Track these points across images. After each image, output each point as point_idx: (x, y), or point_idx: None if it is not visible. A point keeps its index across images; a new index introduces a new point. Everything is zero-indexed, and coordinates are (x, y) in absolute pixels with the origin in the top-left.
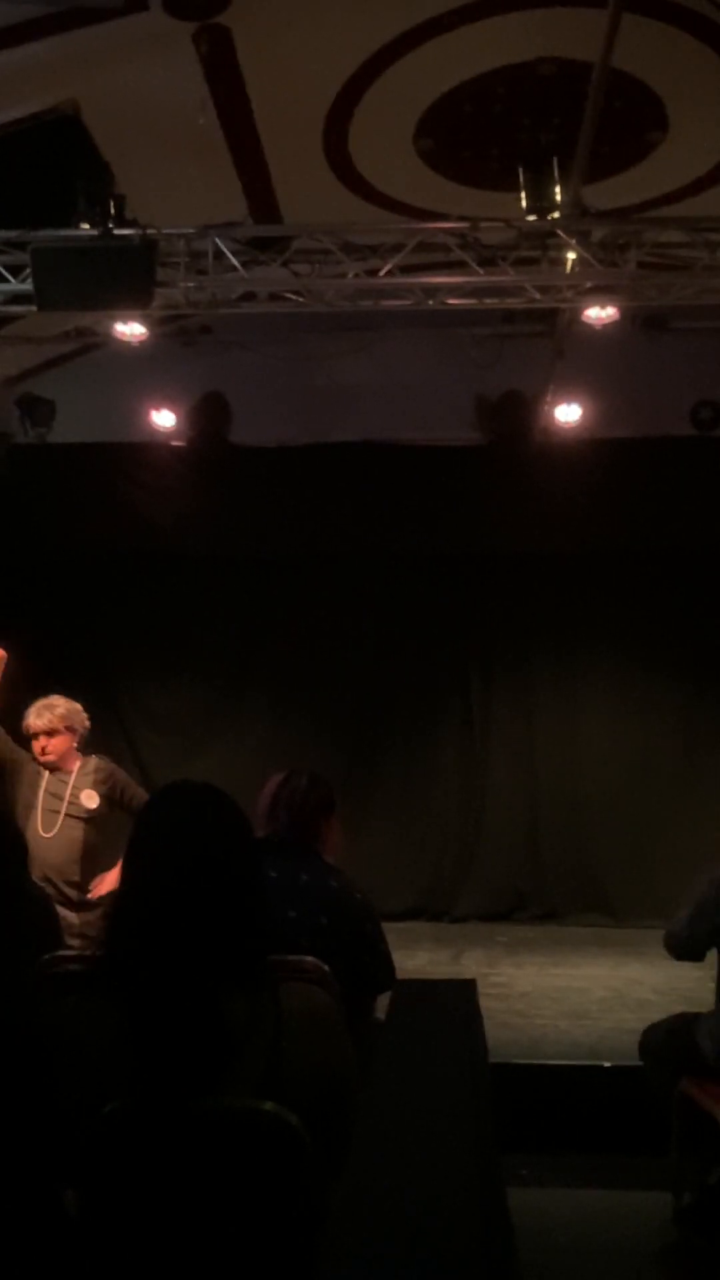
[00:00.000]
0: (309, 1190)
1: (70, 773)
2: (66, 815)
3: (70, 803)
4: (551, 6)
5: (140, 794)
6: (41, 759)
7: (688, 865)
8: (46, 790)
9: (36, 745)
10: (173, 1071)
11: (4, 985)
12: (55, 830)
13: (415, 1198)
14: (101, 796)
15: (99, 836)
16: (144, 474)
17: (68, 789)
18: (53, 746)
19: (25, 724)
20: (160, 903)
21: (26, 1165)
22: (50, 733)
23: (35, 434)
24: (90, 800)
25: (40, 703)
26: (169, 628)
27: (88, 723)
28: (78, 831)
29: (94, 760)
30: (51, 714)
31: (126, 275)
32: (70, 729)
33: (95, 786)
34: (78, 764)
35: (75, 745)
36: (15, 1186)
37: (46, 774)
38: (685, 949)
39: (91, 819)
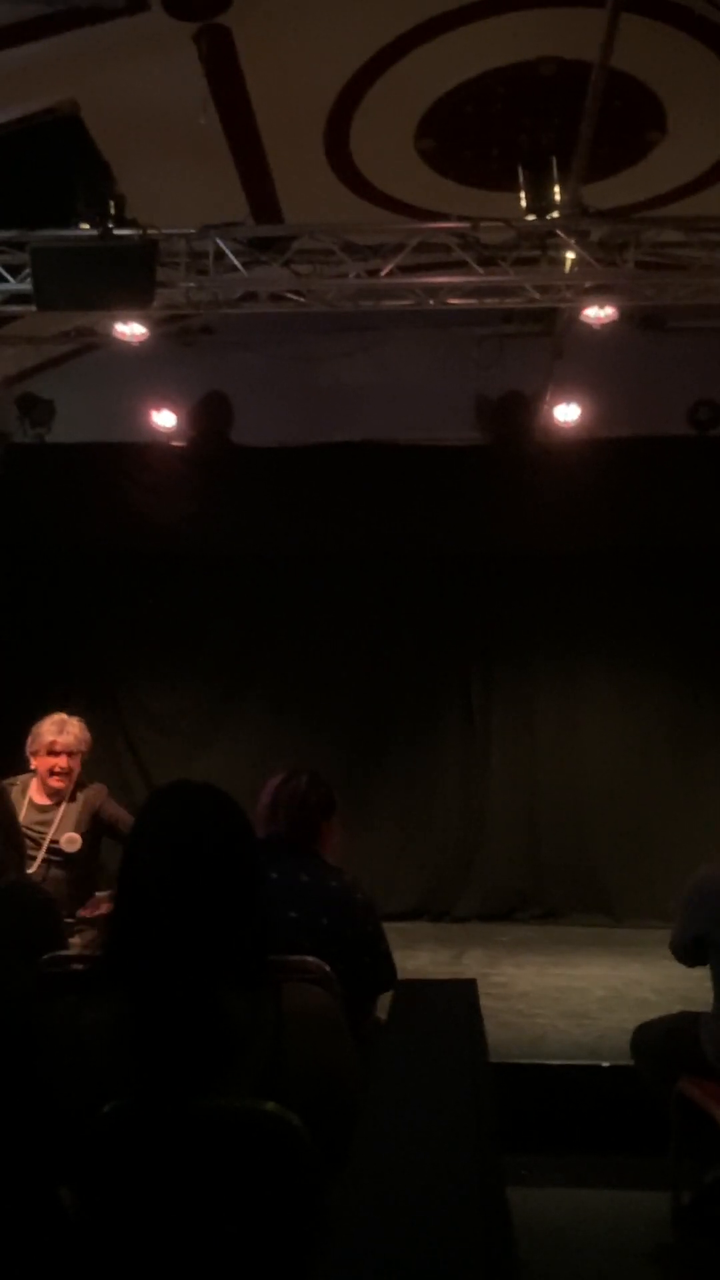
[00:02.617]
0: (309, 1190)
1: (58, 809)
2: (46, 858)
3: (51, 844)
4: (551, 6)
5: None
6: (51, 780)
7: (687, 865)
8: (30, 829)
9: (53, 762)
10: (173, 1071)
11: (4, 985)
12: (33, 868)
13: (415, 1197)
14: (84, 835)
15: (87, 868)
16: (144, 474)
17: (52, 827)
18: (72, 767)
19: (41, 739)
20: (160, 903)
21: (26, 1165)
22: (70, 753)
23: (34, 434)
24: (71, 845)
25: (55, 718)
26: (169, 628)
27: (90, 739)
28: (60, 871)
29: (85, 794)
30: (70, 734)
31: (126, 275)
32: (85, 751)
33: (77, 826)
34: (73, 800)
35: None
36: (14, 1187)
37: (26, 803)
38: (691, 956)
39: (73, 859)
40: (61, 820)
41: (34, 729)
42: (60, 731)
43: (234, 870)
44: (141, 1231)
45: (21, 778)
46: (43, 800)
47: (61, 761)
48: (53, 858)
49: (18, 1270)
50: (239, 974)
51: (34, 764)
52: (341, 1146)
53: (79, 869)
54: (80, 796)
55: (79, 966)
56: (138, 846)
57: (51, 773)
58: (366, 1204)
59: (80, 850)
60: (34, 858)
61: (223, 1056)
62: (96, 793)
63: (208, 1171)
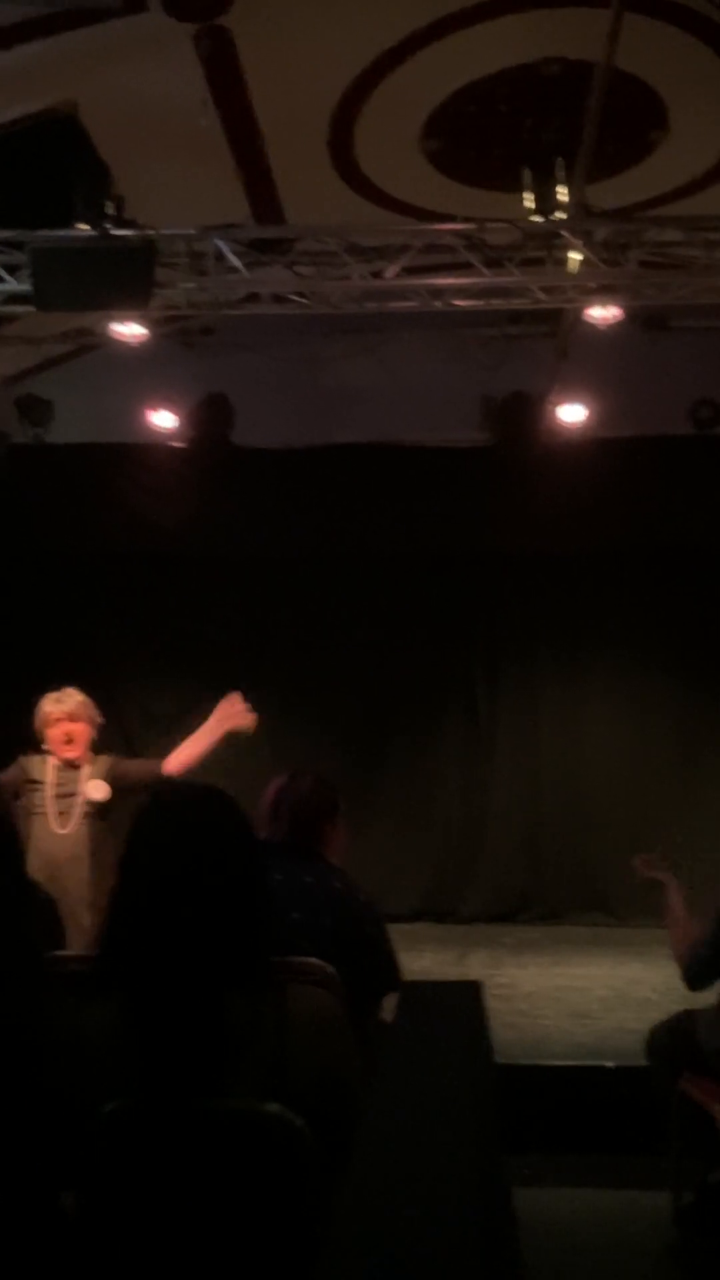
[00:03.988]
0: (312, 1191)
1: (79, 769)
2: (81, 812)
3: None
4: (555, 7)
5: (141, 763)
6: (64, 750)
7: (691, 866)
8: (58, 789)
9: (60, 731)
10: (176, 1072)
11: (5, 985)
12: (70, 826)
13: (419, 1197)
14: (111, 786)
15: (109, 833)
16: (144, 475)
17: (80, 783)
18: (77, 733)
19: (44, 713)
20: (162, 904)
21: (26, 1166)
22: (73, 718)
23: (33, 434)
24: (98, 791)
25: (54, 694)
26: (169, 628)
27: (101, 717)
28: (98, 822)
29: (103, 758)
30: (71, 700)
31: (125, 276)
32: (90, 719)
33: (104, 776)
34: (91, 763)
35: (92, 738)
36: (15, 1187)
37: (50, 768)
38: (707, 973)
39: (107, 810)
40: (86, 777)
41: (36, 711)
42: (58, 701)
43: (236, 872)
44: (143, 1232)
45: (42, 755)
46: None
47: (66, 726)
48: (86, 809)
49: (18, 1271)
50: (242, 975)
51: (47, 741)
52: (344, 1148)
53: (112, 820)
54: (99, 758)
55: (79, 966)
56: (138, 848)
57: (63, 741)
58: (370, 1205)
59: (111, 801)
60: (69, 817)
61: (225, 1057)
62: (111, 758)
63: (210, 1172)
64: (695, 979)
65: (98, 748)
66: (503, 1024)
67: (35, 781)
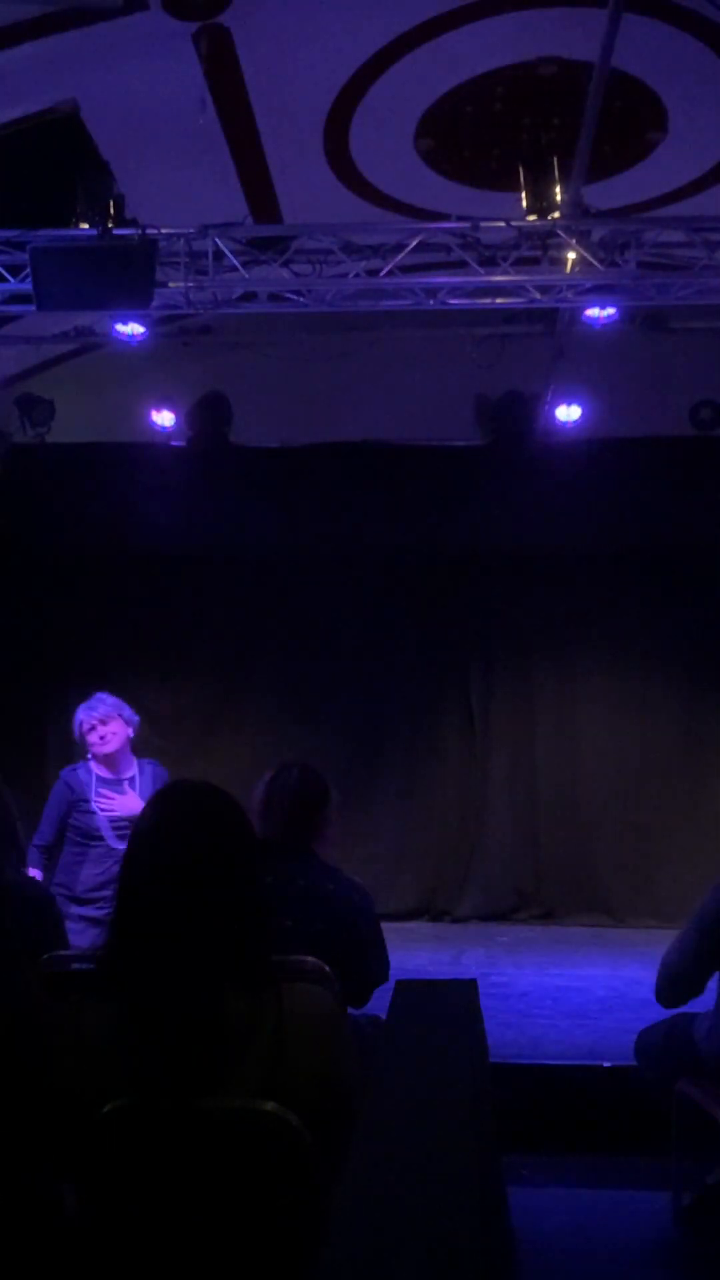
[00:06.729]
0: (309, 1190)
1: (122, 780)
2: (117, 832)
3: (116, 820)
4: (552, 6)
5: None
6: (100, 748)
7: (688, 865)
8: (103, 802)
9: (95, 735)
10: (174, 1071)
11: (4, 985)
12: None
13: (415, 1197)
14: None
15: None
16: (144, 474)
17: (117, 801)
18: (110, 732)
19: (78, 722)
20: (162, 903)
21: (26, 1165)
22: (105, 720)
23: (34, 434)
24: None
25: (86, 702)
26: (169, 628)
27: (136, 716)
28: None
29: (149, 766)
30: (103, 705)
31: (126, 275)
32: (123, 717)
33: (151, 783)
34: (134, 768)
35: (130, 738)
36: (14, 1186)
37: (94, 783)
38: (687, 976)
39: None
40: (127, 798)
41: (72, 724)
42: (89, 709)
43: (235, 869)
44: (142, 1231)
45: (83, 763)
46: (107, 774)
47: (100, 730)
48: (121, 828)
49: (18, 1270)
50: (240, 974)
51: (88, 748)
52: (341, 1146)
53: None
54: (149, 769)
55: (80, 966)
56: (139, 847)
57: (99, 740)
58: (366, 1204)
59: None
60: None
61: (223, 1057)
62: (160, 768)
63: (208, 1171)
64: (662, 991)
65: (138, 750)
66: (499, 1023)
67: (83, 801)
